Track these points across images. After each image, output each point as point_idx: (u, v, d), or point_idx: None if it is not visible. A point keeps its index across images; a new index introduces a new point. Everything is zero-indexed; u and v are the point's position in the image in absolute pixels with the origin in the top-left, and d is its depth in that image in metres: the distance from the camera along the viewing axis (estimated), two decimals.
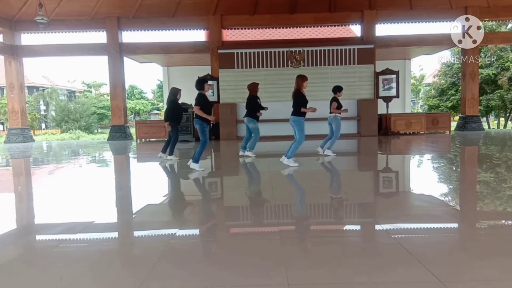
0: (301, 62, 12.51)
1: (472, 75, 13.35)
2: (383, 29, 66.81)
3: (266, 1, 12.93)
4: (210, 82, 12.29)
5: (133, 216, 3.76)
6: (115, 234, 3.25)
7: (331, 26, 15.78)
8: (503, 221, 3.31)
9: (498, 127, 24.27)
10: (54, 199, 4.54)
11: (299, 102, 5.95)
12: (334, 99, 7.38)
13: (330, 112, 7.40)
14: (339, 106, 7.32)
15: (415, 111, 29.63)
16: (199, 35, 24.72)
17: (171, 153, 7.47)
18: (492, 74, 20.79)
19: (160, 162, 7.30)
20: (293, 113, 6.04)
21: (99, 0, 12.77)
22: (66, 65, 68.99)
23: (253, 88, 7.49)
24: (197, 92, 6.01)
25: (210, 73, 12.82)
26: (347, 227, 3.29)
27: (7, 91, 14.13)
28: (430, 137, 11.82)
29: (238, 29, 14.81)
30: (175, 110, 7.43)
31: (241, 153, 7.68)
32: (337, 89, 7.44)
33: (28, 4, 12.56)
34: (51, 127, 34.31)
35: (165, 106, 7.94)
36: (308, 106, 5.99)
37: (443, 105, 23.57)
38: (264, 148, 8.89)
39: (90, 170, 7.37)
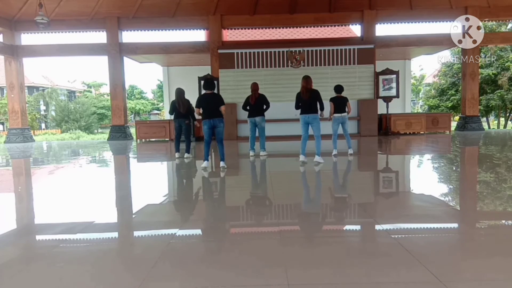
0: (301, 62, 12.50)
1: (472, 75, 13.36)
2: (383, 29, 66.89)
3: (266, 1, 12.93)
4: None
5: (133, 216, 3.76)
6: (115, 234, 3.25)
7: (331, 26, 15.79)
8: (503, 221, 3.31)
9: (498, 127, 24.27)
10: (54, 199, 4.54)
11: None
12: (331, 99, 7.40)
13: (345, 112, 7.38)
14: (334, 107, 7.33)
15: (415, 111, 29.62)
16: (199, 35, 24.77)
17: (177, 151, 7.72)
18: (492, 74, 20.78)
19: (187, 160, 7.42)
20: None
21: (99, 0, 12.77)
22: (66, 65, 69.12)
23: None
24: (199, 92, 6.14)
25: (210, 73, 12.83)
26: (347, 227, 3.29)
27: (7, 91, 14.14)
28: (430, 137, 11.81)
29: (238, 29, 14.81)
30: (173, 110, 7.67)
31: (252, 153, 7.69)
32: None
33: (28, 4, 12.57)
34: (51, 127, 34.34)
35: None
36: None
37: (443, 105, 23.57)
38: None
39: (90, 170, 7.37)
